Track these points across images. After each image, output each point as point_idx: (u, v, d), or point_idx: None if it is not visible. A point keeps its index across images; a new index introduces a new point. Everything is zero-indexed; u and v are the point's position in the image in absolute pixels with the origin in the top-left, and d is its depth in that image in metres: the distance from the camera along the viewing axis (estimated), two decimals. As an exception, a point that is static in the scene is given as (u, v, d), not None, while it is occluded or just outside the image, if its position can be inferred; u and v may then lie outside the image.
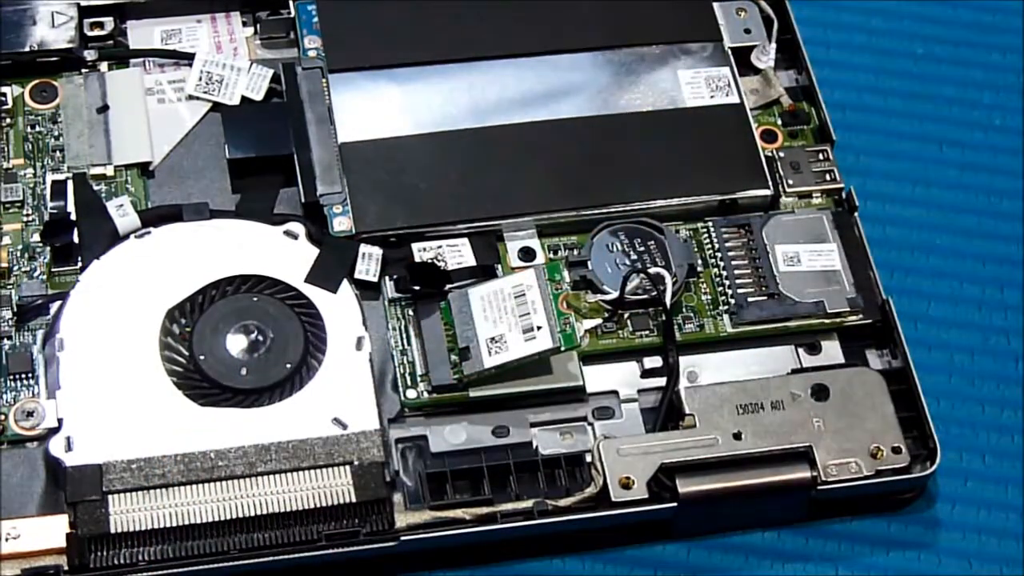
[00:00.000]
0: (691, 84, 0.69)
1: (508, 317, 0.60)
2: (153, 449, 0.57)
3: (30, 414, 0.59)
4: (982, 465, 0.64)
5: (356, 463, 0.58)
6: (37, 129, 0.67)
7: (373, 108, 0.67)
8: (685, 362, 0.62)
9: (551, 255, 0.65)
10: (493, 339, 0.60)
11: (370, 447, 0.58)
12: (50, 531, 0.56)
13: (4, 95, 0.68)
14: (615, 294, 0.63)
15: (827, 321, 0.64)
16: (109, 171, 0.66)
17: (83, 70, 0.69)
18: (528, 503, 0.58)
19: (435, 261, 0.63)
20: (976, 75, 0.75)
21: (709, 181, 0.67)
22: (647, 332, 0.63)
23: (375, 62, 0.68)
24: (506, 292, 0.61)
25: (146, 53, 0.70)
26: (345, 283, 0.62)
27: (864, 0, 0.77)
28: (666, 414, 0.61)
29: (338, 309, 0.62)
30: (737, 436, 0.59)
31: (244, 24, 0.71)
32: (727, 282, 0.64)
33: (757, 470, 0.59)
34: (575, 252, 0.65)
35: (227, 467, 0.57)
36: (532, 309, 0.60)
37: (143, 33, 0.70)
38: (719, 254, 0.65)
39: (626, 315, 0.63)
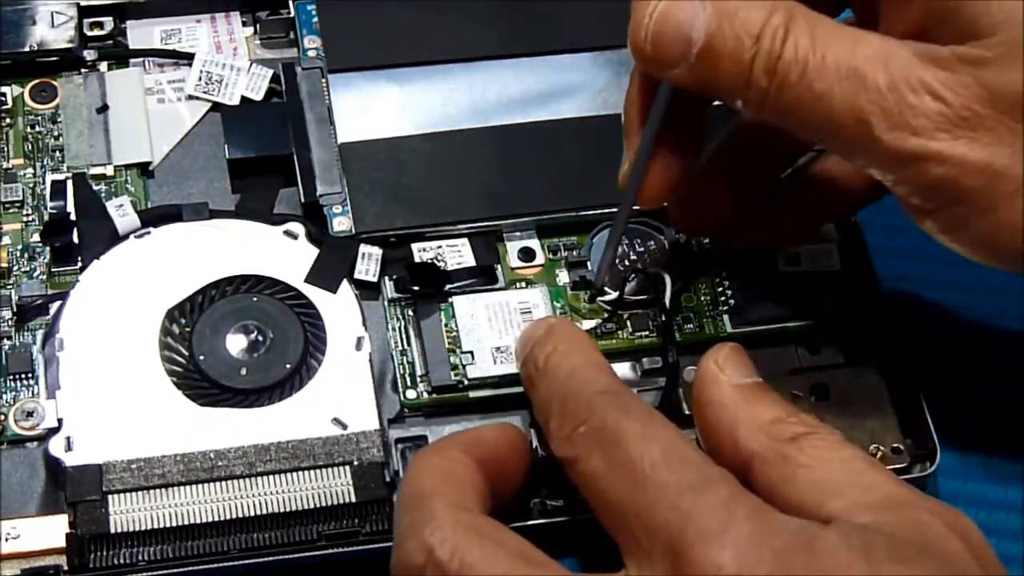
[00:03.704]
0: (691, 84, 0.69)
1: (514, 331, 0.61)
2: (153, 449, 0.57)
3: (30, 414, 0.59)
4: (982, 465, 0.64)
5: (356, 463, 0.58)
6: (37, 129, 0.67)
7: (373, 108, 0.67)
8: (685, 362, 0.62)
9: (551, 255, 0.65)
10: (499, 348, 0.61)
11: (370, 447, 0.58)
12: (50, 531, 0.56)
13: (4, 95, 0.68)
14: (615, 294, 0.63)
15: (827, 321, 0.64)
16: (109, 171, 0.66)
17: (83, 70, 0.69)
18: (527, 503, 0.58)
19: (435, 261, 0.63)
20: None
21: (709, 181, 0.67)
22: (647, 332, 0.63)
23: (375, 62, 0.68)
24: (512, 306, 0.62)
25: (146, 53, 0.70)
26: (345, 283, 0.62)
27: None
28: (666, 413, 0.61)
29: (338, 309, 0.62)
30: (737, 436, 0.59)
31: (244, 24, 0.71)
32: (727, 282, 0.64)
33: (757, 470, 0.59)
34: (575, 252, 0.65)
35: (227, 467, 0.57)
36: None
37: (143, 33, 0.70)
38: (719, 254, 0.66)
39: (626, 315, 0.63)
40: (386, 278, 0.63)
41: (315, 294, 0.62)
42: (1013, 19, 0.47)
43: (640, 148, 0.56)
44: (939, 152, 0.48)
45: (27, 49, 0.68)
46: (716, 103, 0.55)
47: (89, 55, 0.69)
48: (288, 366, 0.60)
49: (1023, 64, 0.47)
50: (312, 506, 0.57)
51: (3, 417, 0.59)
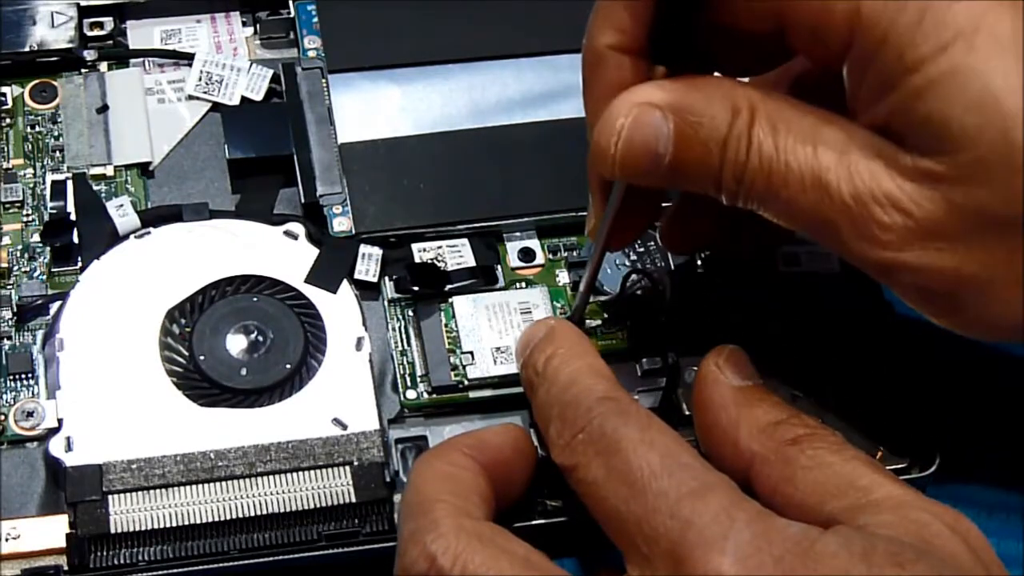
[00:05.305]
0: (691, 84, 0.69)
1: (514, 331, 0.61)
2: (153, 449, 0.57)
3: (30, 414, 0.59)
4: (982, 465, 0.64)
5: (356, 463, 0.58)
6: (37, 129, 0.67)
7: (373, 108, 0.67)
8: (685, 363, 0.62)
9: (551, 255, 0.65)
10: (499, 349, 0.61)
11: (370, 447, 0.58)
12: (50, 531, 0.56)
13: (4, 95, 0.68)
14: (615, 294, 0.63)
15: (827, 321, 0.64)
16: (109, 171, 0.66)
17: (83, 70, 0.69)
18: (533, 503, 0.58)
19: (435, 261, 0.63)
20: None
21: (709, 181, 0.67)
22: (647, 333, 0.63)
23: (375, 62, 0.68)
24: (512, 306, 0.61)
25: (146, 53, 0.70)
26: (345, 283, 0.62)
27: None
28: (666, 414, 0.61)
29: (338, 309, 0.62)
30: (737, 436, 0.59)
31: (244, 24, 0.71)
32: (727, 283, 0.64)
33: (757, 470, 0.59)
34: (575, 252, 0.65)
35: (227, 467, 0.57)
36: None
37: (143, 33, 0.70)
38: (719, 254, 0.65)
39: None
40: (386, 278, 0.63)
41: (315, 294, 0.62)
42: (976, 138, 0.47)
43: (606, 210, 0.56)
44: (907, 263, 0.49)
45: (27, 49, 0.68)
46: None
47: (89, 55, 0.69)
48: (288, 366, 0.60)
49: (983, 183, 0.47)
50: (312, 506, 0.57)
51: (3, 417, 0.59)
